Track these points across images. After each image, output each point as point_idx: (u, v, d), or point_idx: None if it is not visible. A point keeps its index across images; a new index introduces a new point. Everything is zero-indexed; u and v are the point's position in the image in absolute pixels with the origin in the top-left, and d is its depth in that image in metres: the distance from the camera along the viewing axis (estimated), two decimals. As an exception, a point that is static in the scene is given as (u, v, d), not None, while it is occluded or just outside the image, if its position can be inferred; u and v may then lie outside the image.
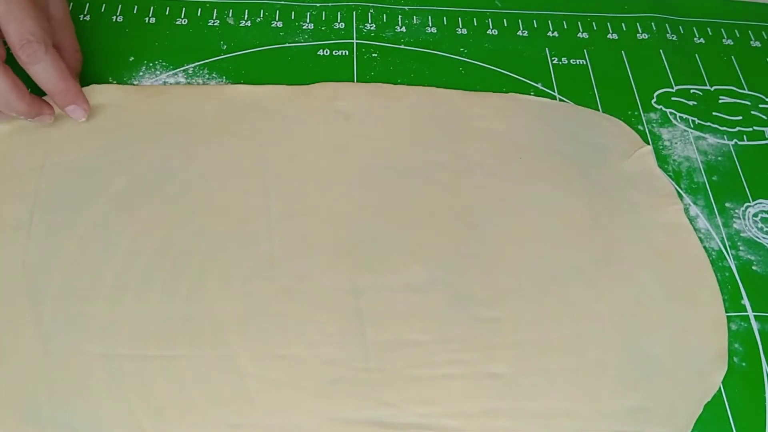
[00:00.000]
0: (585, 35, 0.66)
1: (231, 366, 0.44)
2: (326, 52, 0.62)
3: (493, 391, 0.45)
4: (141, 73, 0.59)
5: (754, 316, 0.49)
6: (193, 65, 0.60)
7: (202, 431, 0.42)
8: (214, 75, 0.59)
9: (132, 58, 0.60)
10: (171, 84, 0.58)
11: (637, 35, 0.66)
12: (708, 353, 0.47)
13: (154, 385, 0.43)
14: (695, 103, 0.61)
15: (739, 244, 0.52)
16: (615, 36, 0.66)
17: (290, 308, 0.47)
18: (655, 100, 0.61)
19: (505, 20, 0.66)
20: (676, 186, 0.55)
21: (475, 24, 0.66)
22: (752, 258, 0.52)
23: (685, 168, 0.56)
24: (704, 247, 0.52)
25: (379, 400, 0.44)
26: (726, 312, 0.49)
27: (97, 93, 0.56)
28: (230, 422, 0.43)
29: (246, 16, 0.64)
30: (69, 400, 0.42)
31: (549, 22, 0.67)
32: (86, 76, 0.58)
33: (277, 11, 0.65)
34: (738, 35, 0.66)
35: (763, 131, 0.59)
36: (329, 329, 0.46)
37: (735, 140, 0.58)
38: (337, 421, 0.43)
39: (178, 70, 0.59)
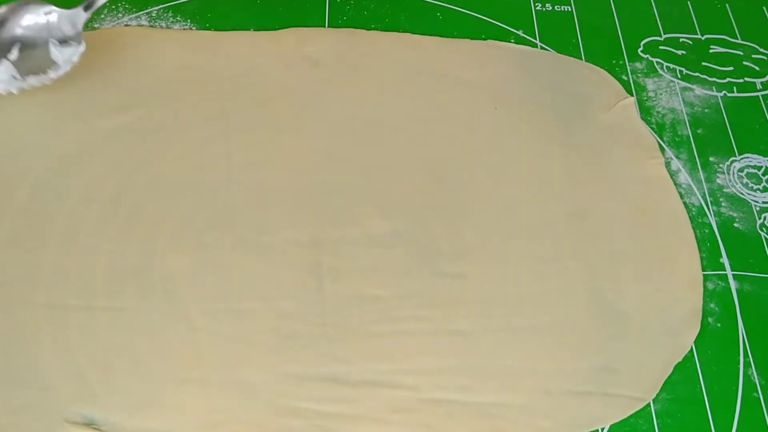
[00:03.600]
0: (571, -20, 0.62)
1: (181, 319, 0.43)
2: (297, -5, 0.59)
3: (454, 349, 0.43)
4: (102, 16, 0.56)
5: (733, 275, 0.47)
6: (156, 8, 0.57)
7: (150, 385, 0.41)
8: (178, 18, 0.57)
9: (93, 1, 0.57)
10: (133, 26, 0.56)
11: (627, -20, 0.63)
12: (681, 312, 0.45)
13: (100, 338, 0.42)
14: (684, 52, 0.58)
15: (721, 200, 0.50)
16: (603, -19, 0.63)
17: (246, 261, 0.45)
18: (641, 48, 0.58)
19: (487, -37, 0.63)
20: (658, 139, 0.52)
21: (456, -33, 0.62)
22: (734, 215, 0.49)
23: (669, 120, 0.54)
24: (684, 203, 0.49)
25: (333, 356, 0.42)
26: (703, 270, 0.47)
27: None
28: (179, 377, 0.41)
29: (215, -43, 0.61)
30: (11, 351, 0.41)
31: (534, -34, 0.63)
32: (45, 18, 0.56)
33: (248, -48, 0.62)
34: (734, -18, 0.63)
35: (754, 83, 0.56)
36: (286, 283, 0.45)
37: (724, 92, 0.56)
38: (290, 377, 0.41)
39: (141, 12, 0.57)
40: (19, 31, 0.51)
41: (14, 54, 0.50)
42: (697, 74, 0.56)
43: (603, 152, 0.51)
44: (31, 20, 0.51)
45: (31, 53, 0.51)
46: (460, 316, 0.44)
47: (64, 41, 0.50)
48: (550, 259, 0.46)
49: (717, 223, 0.49)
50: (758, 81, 0.56)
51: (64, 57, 0.50)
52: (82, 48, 0.50)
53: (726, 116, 0.54)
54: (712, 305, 0.45)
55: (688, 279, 0.46)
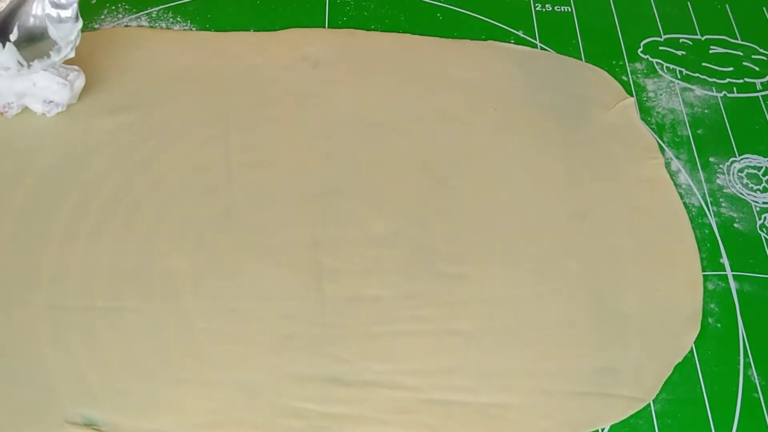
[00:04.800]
0: (571, -20, 0.62)
1: (181, 320, 0.43)
2: (297, -5, 0.59)
3: (454, 349, 0.43)
4: (102, 17, 0.56)
5: (733, 275, 0.46)
6: (156, 8, 0.57)
7: (149, 385, 0.41)
8: (178, 19, 0.57)
9: (93, 1, 0.57)
10: (133, 27, 0.56)
11: (627, -19, 0.63)
12: (681, 313, 0.45)
13: (100, 338, 0.42)
14: (684, 52, 0.58)
15: (721, 200, 0.50)
16: (603, -18, 0.63)
17: (246, 261, 0.45)
18: (641, 49, 0.58)
19: (487, -36, 0.63)
20: (658, 139, 0.52)
21: (455, -32, 0.62)
22: (734, 215, 0.49)
23: (669, 120, 0.54)
24: (684, 203, 0.49)
25: (333, 356, 0.42)
26: (703, 271, 0.46)
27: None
28: (178, 377, 0.41)
29: (215, -43, 0.61)
30: (11, 351, 0.41)
31: (534, -34, 0.63)
32: (45, 18, 0.56)
33: (248, -47, 0.62)
34: (734, -18, 0.63)
35: (754, 83, 0.56)
36: (286, 283, 0.45)
37: (724, 92, 0.56)
38: (290, 378, 0.41)
39: (141, 13, 0.57)
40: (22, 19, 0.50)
41: (15, 34, 0.49)
42: (697, 75, 0.56)
43: (603, 152, 0.51)
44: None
45: (33, 39, 0.50)
46: (460, 317, 0.44)
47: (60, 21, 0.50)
48: (550, 259, 0.46)
49: (717, 224, 0.49)
50: (758, 81, 0.56)
51: (62, 34, 0.49)
52: (79, 24, 0.49)
53: (726, 117, 0.54)
54: (712, 306, 0.45)
55: (688, 279, 0.46)
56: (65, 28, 0.49)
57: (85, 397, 0.40)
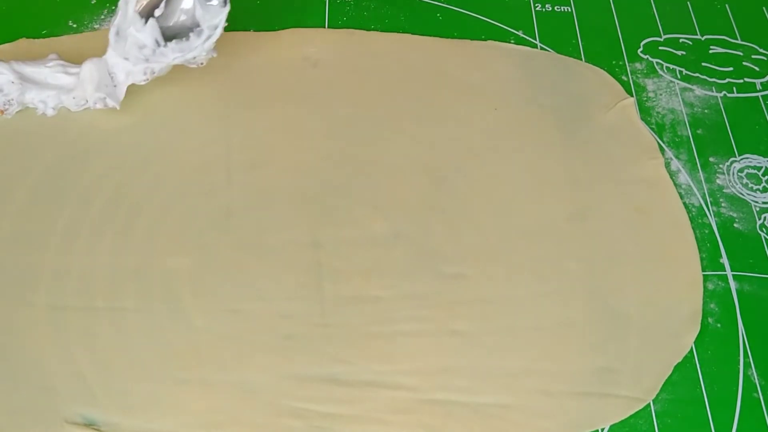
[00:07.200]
0: (571, -20, 0.62)
1: (181, 320, 0.43)
2: (297, -5, 0.59)
3: (454, 349, 0.43)
4: (102, 17, 0.56)
5: (733, 275, 0.47)
6: (156, 8, 0.57)
7: (149, 385, 0.41)
8: (178, 19, 0.57)
9: (94, 1, 0.57)
10: (133, 28, 0.56)
11: (626, -19, 0.63)
12: (681, 313, 0.45)
13: (100, 338, 0.42)
14: (684, 52, 0.58)
15: (721, 200, 0.50)
16: (603, -18, 0.63)
17: (246, 261, 0.45)
18: (641, 49, 0.58)
19: (486, -36, 0.63)
20: (658, 139, 0.52)
21: (455, -33, 0.62)
22: (734, 215, 0.49)
23: (669, 120, 0.54)
24: (684, 203, 0.49)
25: (334, 356, 0.42)
26: (703, 271, 0.46)
27: (54, 42, 0.54)
28: (177, 377, 0.41)
29: (215, -42, 0.61)
30: (11, 351, 0.41)
31: (534, -34, 0.63)
32: (45, 19, 0.56)
33: (248, -47, 0.62)
34: (734, -18, 0.63)
35: (754, 83, 0.56)
36: (286, 283, 0.45)
37: (724, 92, 0.56)
38: (290, 378, 0.41)
39: (141, 13, 0.57)
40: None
41: (161, 9, 0.46)
42: (696, 75, 0.56)
43: (602, 153, 0.51)
44: None
45: (174, 13, 0.48)
46: (461, 317, 0.44)
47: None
48: (550, 259, 0.46)
49: (717, 224, 0.49)
50: (758, 81, 0.56)
51: (207, 17, 0.47)
52: (227, 9, 0.47)
53: (726, 117, 0.54)
54: (712, 305, 0.45)
55: (688, 279, 0.46)
56: (211, 11, 0.47)
57: (85, 397, 0.40)
